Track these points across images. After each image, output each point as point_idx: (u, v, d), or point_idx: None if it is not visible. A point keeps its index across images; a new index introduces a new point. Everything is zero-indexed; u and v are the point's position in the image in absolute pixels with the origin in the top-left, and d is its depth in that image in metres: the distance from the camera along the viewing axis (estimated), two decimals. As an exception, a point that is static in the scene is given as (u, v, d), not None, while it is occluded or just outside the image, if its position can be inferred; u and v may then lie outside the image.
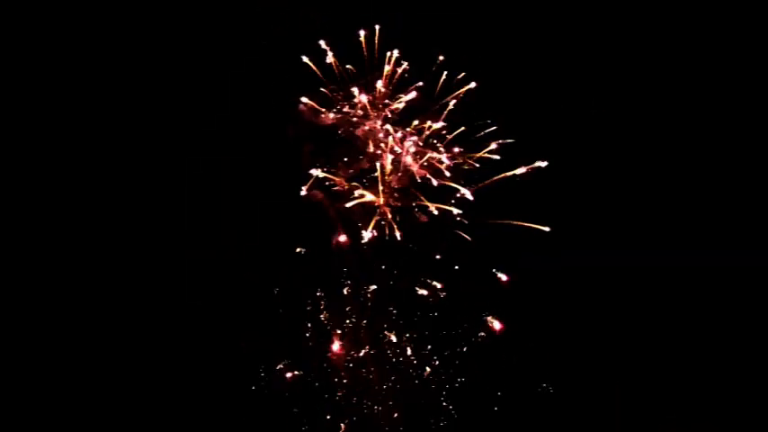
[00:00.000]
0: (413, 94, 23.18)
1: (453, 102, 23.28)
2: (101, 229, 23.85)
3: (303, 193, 22.76)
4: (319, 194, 22.87)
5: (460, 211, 22.78)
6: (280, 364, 22.89)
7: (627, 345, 23.92)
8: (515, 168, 23.06)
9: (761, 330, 23.57)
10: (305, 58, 23.18)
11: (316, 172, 22.71)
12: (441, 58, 23.26)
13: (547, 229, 22.49)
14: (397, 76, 23.34)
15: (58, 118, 23.96)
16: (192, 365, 23.42)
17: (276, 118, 23.39)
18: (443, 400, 23.07)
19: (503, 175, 23.08)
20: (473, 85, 23.27)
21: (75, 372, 23.00)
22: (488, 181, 23.09)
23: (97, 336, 23.21)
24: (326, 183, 23.02)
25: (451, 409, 23.04)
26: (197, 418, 23.11)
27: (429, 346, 23.12)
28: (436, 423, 23.07)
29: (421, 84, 23.20)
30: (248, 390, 23.16)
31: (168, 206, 24.11)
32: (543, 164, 22.70)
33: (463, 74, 23.36)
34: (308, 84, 23.26)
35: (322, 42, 23.27)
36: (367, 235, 22.43)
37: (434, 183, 22.63)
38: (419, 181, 23.09)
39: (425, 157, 23.07)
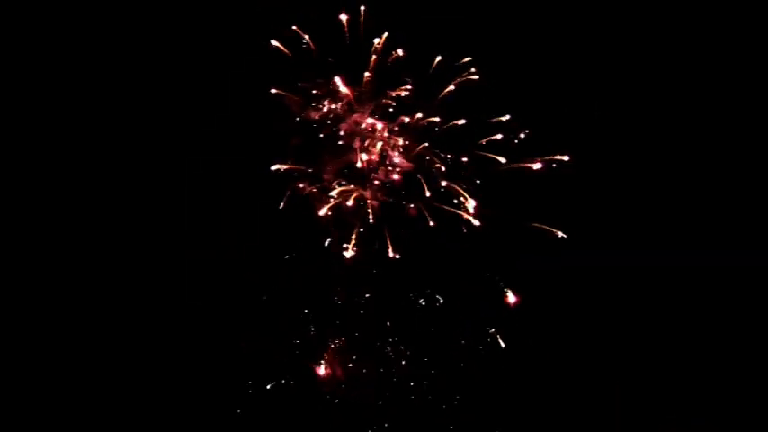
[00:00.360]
0: (402, 86, 22.93)
1: (446, 92, 23.08)
2: (101, 229, 23.86)
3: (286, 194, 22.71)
4: (306, 190, 22.74)
5: (455, 210, 22.76)
6: (277, 369, 22.87)
7: (627, 345, 23.93)
8: (514, 165, 23.06)
9: (761, 330, 23.59)
10: (276, 43, 22.91)
11: (276, 168, 22.57)
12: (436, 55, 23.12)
13: (563, 235, 22.48)
14: (385, 65, 23.03)
15: (57, 118, 23.97)
16: (193, 365, 23.43)
17: (272, 116, 23.32)
18: (440, 405, 23.08)
19: (499, 168, 23.01)
20: (473, 72, 23.11)
21: (75, 371, 23.02)
22: (481, 179, 23.02)
23: (97, 335, 23.23)
24: (311, 180, 22.90)
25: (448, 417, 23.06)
26: (197, 417, 23.13)
27: (426, 359, 23.05)
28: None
29: (410, 81, 23.04)
30: (248, 390, 23.18)
31: (168, 206, 24.12)
32: (564, 158, 22.63)
33: (461, 61, 23.24)
34: (297, 77, 23.11)
35: (295, 27, 23.04)
36: (349, 253, 22.28)
37: (426, 191, 22.46)
38: (401, 175, 22.89)
39: (415, 151, 22.88)
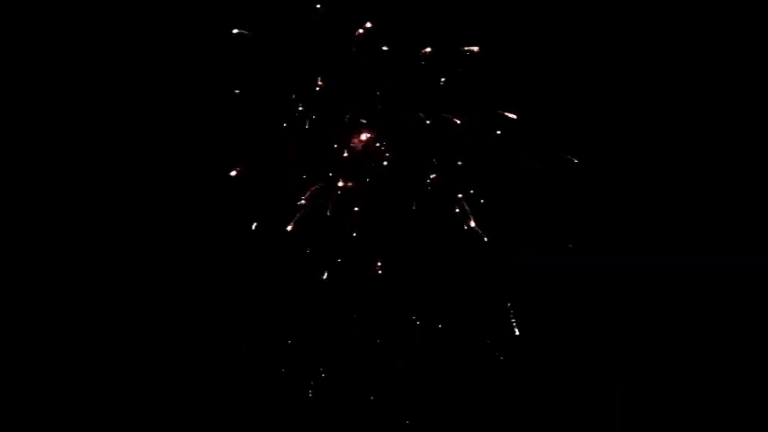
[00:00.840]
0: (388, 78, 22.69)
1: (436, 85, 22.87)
2: (100, 228, 23.92)
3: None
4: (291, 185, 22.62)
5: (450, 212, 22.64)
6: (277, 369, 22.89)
7: (627, 345, 23.90)
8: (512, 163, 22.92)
9: (761, 330, 23.52)
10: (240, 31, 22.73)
11: (234, 173, 22.58)
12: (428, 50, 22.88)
13: (570, 245, 22.42)
14: (369, 56, 22.81)
15: (56, 118, 24.01)
16: (193, 365, 23.48)
17: (271, 116, 23.27)
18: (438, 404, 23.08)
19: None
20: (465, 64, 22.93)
21: (73, 372, 23.13)
22: (478, 177, 22.84)
23: (96, 336, 23.33)
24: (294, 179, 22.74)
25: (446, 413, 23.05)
26: (196, 418, 23.20)
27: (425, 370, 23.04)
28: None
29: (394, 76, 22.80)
30: (248, 390, 23.23)
31: (168, 206, 24.15)
32: (574, 160, 22.53)
33: (457, 50, 23.03)
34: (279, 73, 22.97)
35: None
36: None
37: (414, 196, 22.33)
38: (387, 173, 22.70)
39: (403, 148, 22.68)
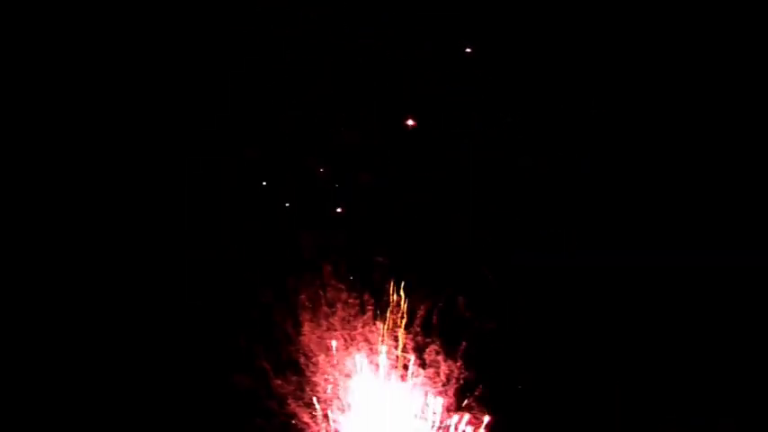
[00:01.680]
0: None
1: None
2: (100, 228, 23.92)
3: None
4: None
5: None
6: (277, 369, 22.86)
7: (627, 345, 23.88)
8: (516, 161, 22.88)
9: (761, 330, 23.50)
10: None
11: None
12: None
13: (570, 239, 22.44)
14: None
15: (56, 117, 24.02)
16: (192, 365, 23.46)
17: (274, 117, 23.30)
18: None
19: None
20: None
21: (73, 372, 23.13)
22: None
23: (96, 336, 23.32)
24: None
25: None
26: (196, 418, 23.19)
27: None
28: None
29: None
30: (247, 390, 23.21)
31: (168, 206, 24.15)
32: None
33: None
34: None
35: None
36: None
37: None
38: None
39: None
